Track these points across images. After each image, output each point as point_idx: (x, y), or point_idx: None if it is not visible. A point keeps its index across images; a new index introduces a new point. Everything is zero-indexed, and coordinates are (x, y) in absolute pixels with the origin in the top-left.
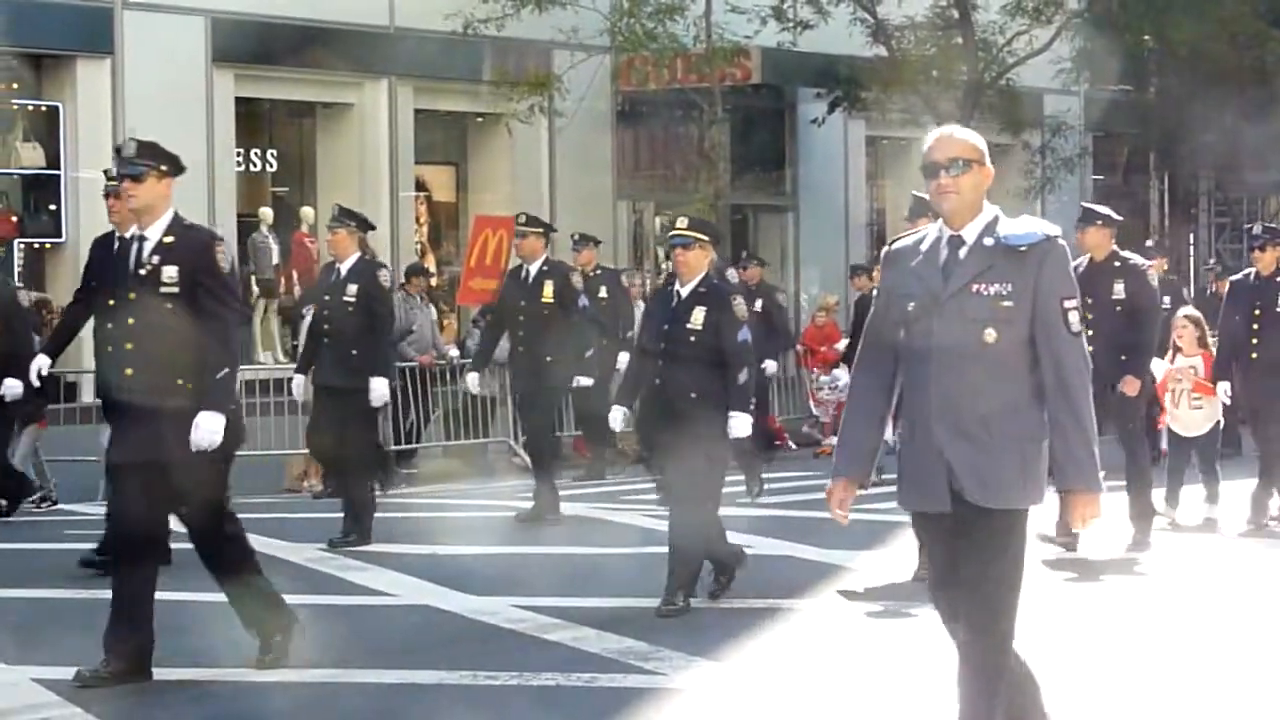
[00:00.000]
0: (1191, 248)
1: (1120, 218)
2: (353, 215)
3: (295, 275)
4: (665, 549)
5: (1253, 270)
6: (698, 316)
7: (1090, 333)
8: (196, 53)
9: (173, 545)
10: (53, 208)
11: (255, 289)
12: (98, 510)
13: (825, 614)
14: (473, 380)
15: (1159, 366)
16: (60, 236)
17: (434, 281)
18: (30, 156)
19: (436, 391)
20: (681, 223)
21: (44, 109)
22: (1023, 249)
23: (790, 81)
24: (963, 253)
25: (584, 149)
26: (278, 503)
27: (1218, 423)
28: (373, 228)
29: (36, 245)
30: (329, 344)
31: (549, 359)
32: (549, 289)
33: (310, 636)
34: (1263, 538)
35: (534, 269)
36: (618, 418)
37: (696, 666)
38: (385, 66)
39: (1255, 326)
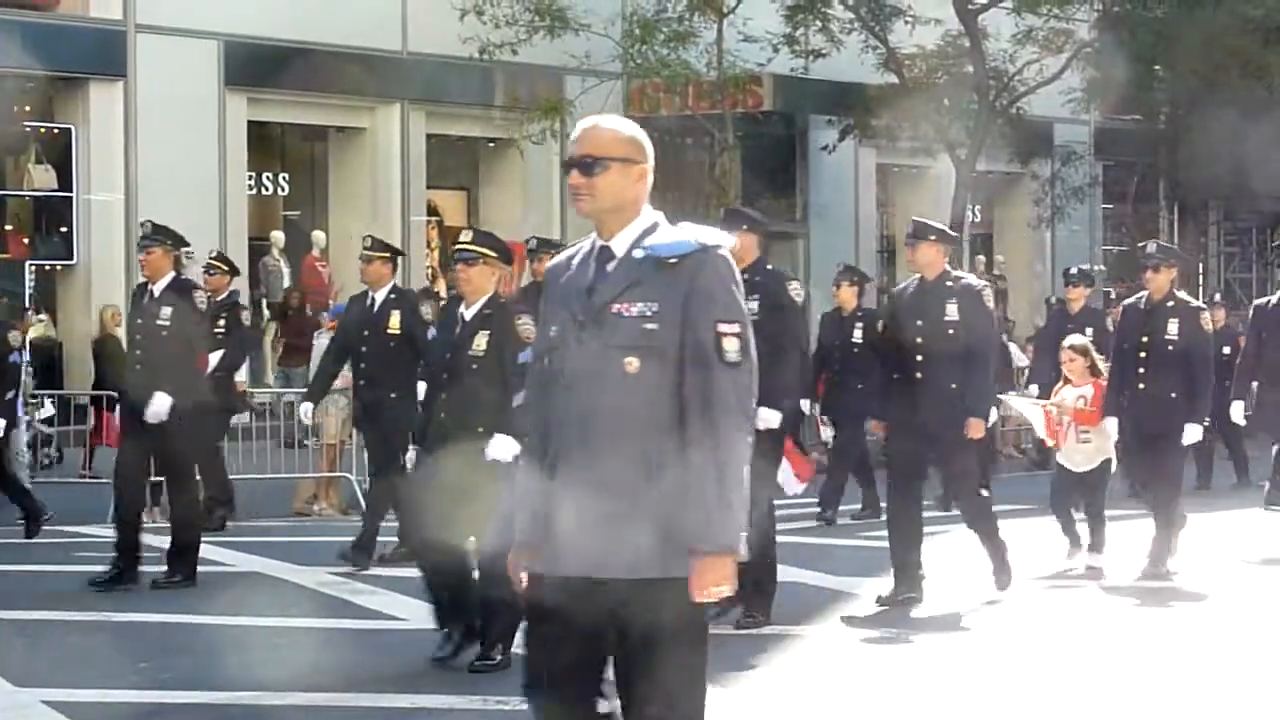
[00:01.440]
0: (1201, 277)
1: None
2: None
3: (305, 298)
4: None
5: (1144, 295)
6: (480, 341)
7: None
8: (209, 76)
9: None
10: (64, 230)
11: (266, 313)
12: (106, 532)
13: (831, 640)
14: (305, 410)
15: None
16: (71, 259)
17: (444, 305)
18: (42, 179)
19: None
20: (465, 236)
21: (56, 131)
22: (672, 261)
23: (801, 109)
24: (610, 267)
25: None
26: (287, 526)
27: (1108, 461)
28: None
29: (48, 267)
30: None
31: (392, 395)
32: (394, 319)
33: (320, 661)
34: (1146, 590)
35: (379, 297)
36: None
37: (712, 694)
38: (398, 91)
39: (1143, 355)
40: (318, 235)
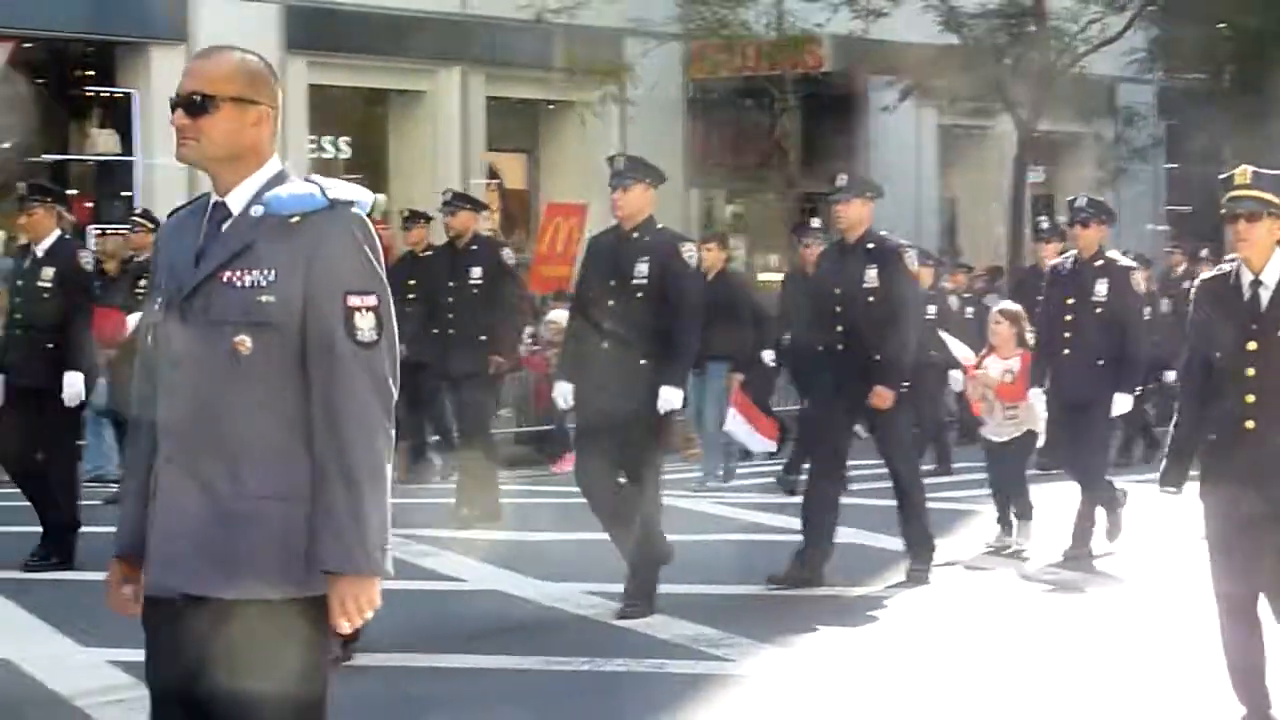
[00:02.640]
0: None
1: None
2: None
3: None
4: (739, 536)
5: (1072, 254)
6: None
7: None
8: (269, 40)
9: None
10: (126, 194)
11: None
12: None
13: (893, 603)
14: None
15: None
16: None
17: None
18: (104, 143)
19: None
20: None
21: (118, 96)
22: (294, 219)
23: (861, 69)
24: (224, 227)
25: (655, 137)
26: None
27: (1031, 433)
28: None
29: (109, 232)
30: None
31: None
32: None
33: (382, 621)
34: (1068, 575)
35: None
36: None
37: (765, 653)
38: (458, 54)
39: (1069, 318)
40: (379, 199)
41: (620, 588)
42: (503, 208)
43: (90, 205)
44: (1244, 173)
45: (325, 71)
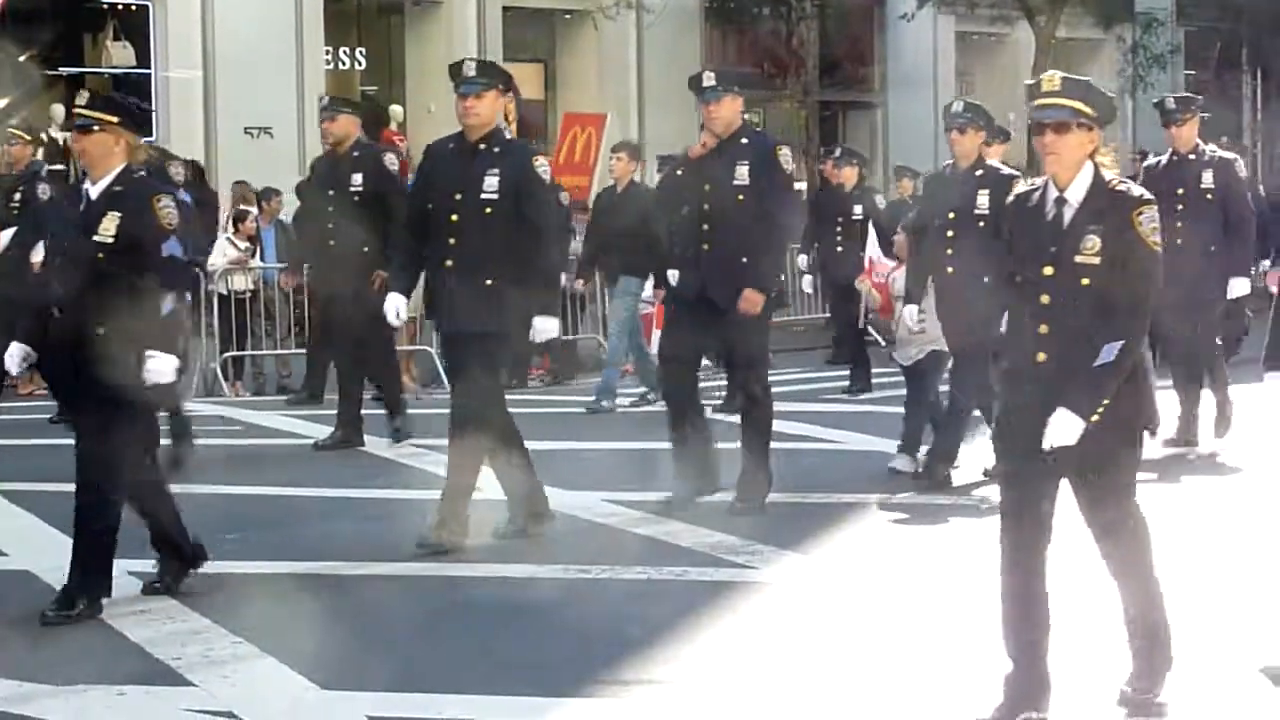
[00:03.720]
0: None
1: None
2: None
3: None
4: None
5: (950, 164)
6: (109, 225)
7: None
8: None
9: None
10: (144, 108)
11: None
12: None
13: (912, 508)
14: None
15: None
16: (151, 136)
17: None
18: (121, 56)
19: None
20: (81, 99)
21: (134, 8)
22: None
23: None
24: None
25: (672, 46)
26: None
27: (936, 354)
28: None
29: None
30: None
31: None
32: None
33: (403, 531)
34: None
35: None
36: None
37: (786, 560)
38: None
39: (950, 234)
40: (395, 109)
41: (639, 496)
42: (520, 117)
43: None
44: (1051, 79)
45: None
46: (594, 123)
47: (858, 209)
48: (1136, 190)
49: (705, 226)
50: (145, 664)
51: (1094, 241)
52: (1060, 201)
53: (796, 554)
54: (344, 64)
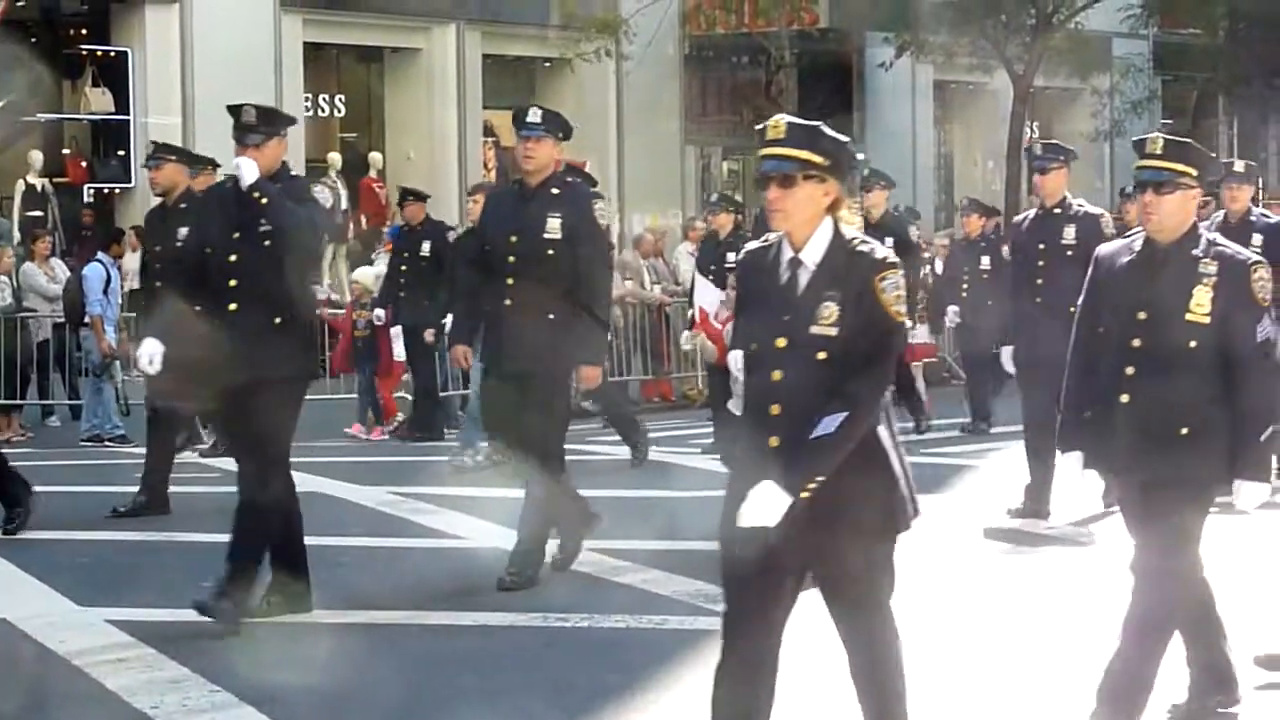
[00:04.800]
0: (1262, 191)
1: None
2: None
3: (364, 220)
4: None
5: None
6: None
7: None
8: None
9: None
10: (122, 153)
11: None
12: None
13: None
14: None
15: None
16: (130, 182)
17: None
18: (100, 102)
19: None
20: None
21: (114, 55)
22: None
23: (857, 26)
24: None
25: (652, 94)
26: (345, 446)
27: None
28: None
29: (106, 190)
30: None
31: None
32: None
33: (381, 579)
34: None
35: None
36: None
37: None
38: (453, 11)
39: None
40: (374, 157)
41: (619, 544)
42: (499, 165)
43: (85, 165)
44: (777, 125)
45: (320, 29)
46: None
47: (731, 256)
48: (880, 251)
49: (509, 281)
50: (122, 712)
51: (831, 310)
52: (795, 263)
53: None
54: (324, 111)
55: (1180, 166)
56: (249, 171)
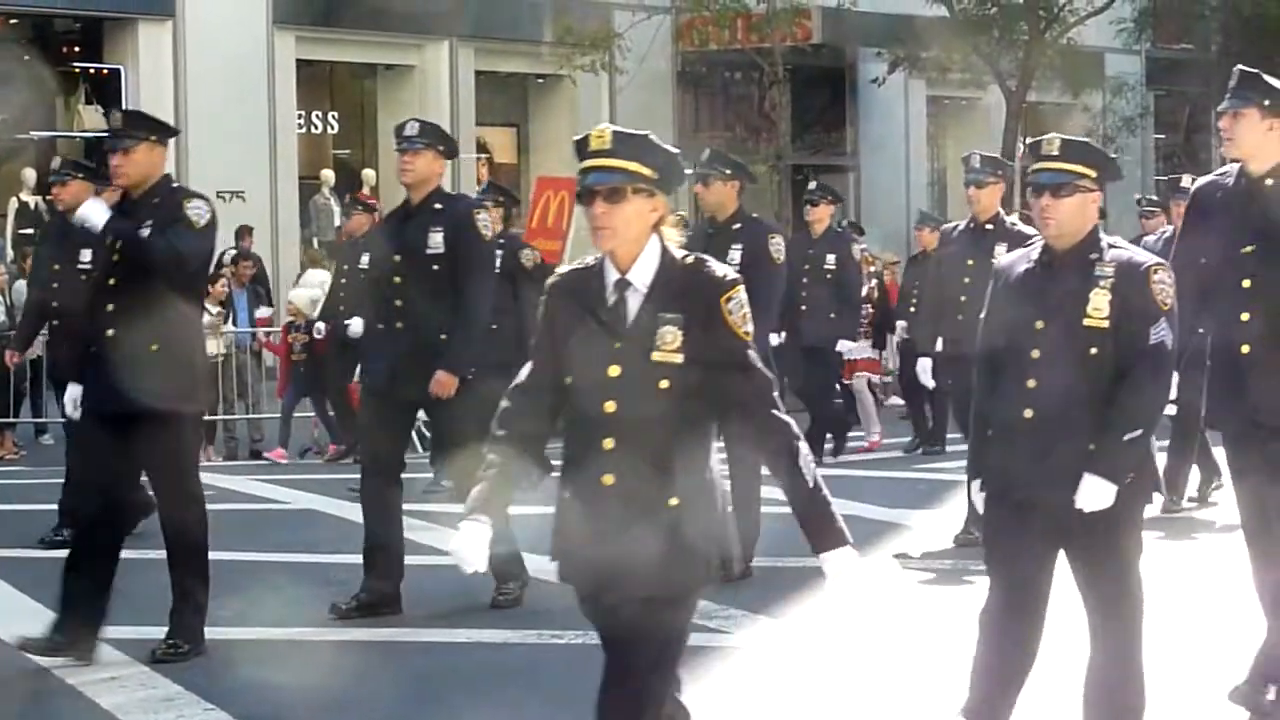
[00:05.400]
0: None
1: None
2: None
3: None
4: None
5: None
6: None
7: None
8: (257, 15)
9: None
10: None
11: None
12: None
13: (885, 573)
14: None
15: None
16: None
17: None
18: (92, 119)
19: None
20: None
21: (106, 72)
22: None
23: (850, 41)
24: None
25: (645, 110)
26: (343, 465)
27: None
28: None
29: None
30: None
31: None
32: None
33: None
34: None
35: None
36: None
37: (759, 625)
38: (446, 28)
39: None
40: (368, 174)
41: None
42: (492, 182)
43: None
44: (601, 135)
45: (313, 46)
46: (567, 186)
47: None
48: (721, 269)
49: (398, 302)
50: None
51: (674, 335)
52: (623, 285)
53: (769, 619)
54: (316, 128)
55: (1078, 168)
56: (96, 216)
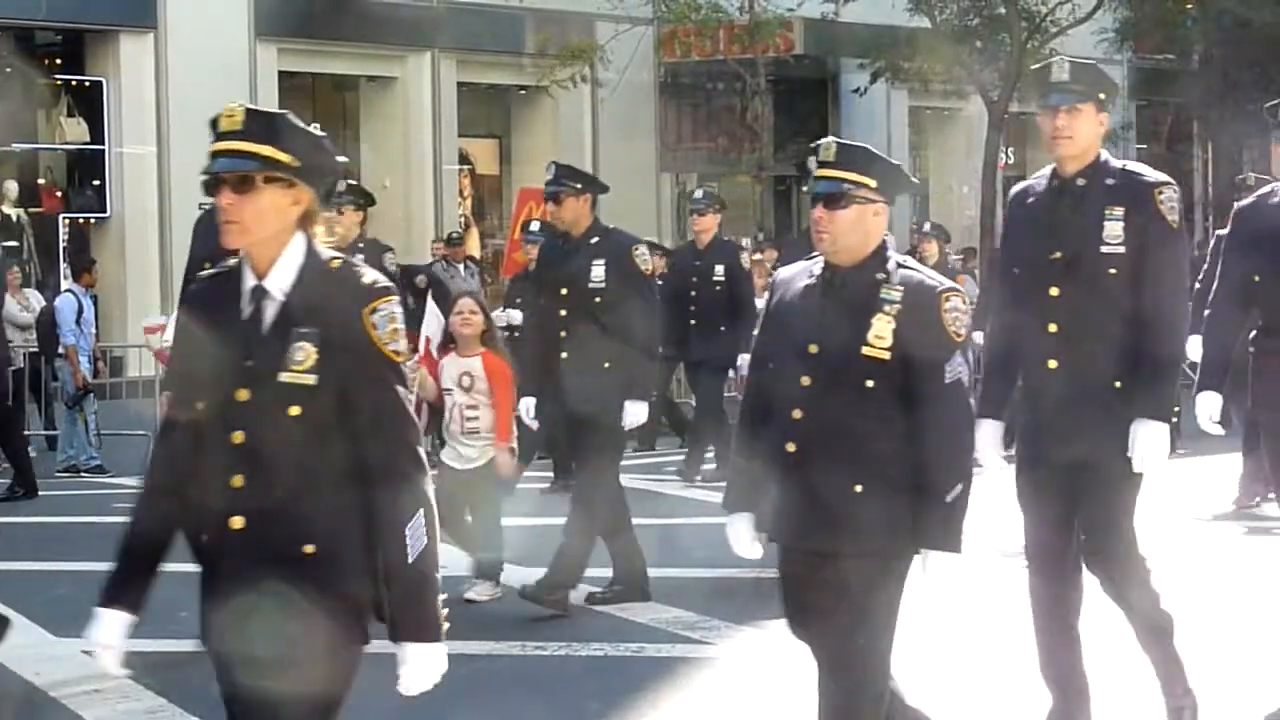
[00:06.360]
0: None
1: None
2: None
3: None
4: (717, 520)
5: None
6: None
7: None
8: (239, 26)
9: None
10: (97, 183)
11: None
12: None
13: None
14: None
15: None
16: (105, 212)
17: (479, 254)
18: (74, 132)
19: None
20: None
21: (88, 84)
22: None
23: (833, 52)
24: None
25: (627, 121)
26: None
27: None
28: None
29: (81, 220)
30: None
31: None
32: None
33: None
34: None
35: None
36: None
37: (742, 636)
38: (428, 39)
39: (563, 313)
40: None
41: (595, 572)
42: (474, 193)
43: (60, 195)
44: (232, 115)
45: (296, 58)
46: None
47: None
48: (369, 276)
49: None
50: None
51: (307, 351)
52: (259, 293)
53: (752, 629)
54: None
55: (857, 176)
56: None
